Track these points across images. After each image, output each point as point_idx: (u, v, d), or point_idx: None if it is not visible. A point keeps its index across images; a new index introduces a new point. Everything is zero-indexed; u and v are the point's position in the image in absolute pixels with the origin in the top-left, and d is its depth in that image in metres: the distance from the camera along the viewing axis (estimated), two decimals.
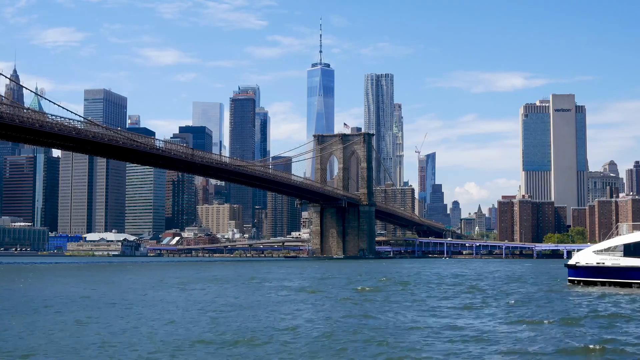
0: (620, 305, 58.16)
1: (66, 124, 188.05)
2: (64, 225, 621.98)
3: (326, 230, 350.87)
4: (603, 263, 77.15)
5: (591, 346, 36.24)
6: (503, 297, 69.37)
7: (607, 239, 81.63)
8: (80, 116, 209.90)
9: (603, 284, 77.49)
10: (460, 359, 33.40)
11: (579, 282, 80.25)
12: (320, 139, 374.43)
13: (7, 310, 54.07)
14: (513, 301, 62.48)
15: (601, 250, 78.07)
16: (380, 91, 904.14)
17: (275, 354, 34.53)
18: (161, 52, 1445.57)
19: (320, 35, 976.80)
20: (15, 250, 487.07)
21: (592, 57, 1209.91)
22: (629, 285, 75.47)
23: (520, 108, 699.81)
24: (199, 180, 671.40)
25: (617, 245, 76.55)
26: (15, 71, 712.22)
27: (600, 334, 41.03)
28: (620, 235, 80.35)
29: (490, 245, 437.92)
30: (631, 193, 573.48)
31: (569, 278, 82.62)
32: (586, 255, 79.66)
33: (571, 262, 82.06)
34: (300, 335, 40.27)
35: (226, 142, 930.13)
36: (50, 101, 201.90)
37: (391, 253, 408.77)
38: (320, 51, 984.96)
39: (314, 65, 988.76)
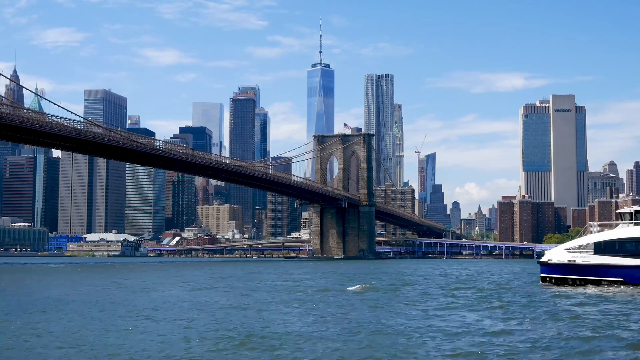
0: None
1: (66, 124, 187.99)
2: (64, 226, 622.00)
3: (326, 230, 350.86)
4: (574, 261, 79.20)
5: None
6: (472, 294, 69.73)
7: (579, 237, 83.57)
8: (80, 116, 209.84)
9: (574, 281, 79.43)
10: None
11: (550, 279, 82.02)
12: (320, 139, 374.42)
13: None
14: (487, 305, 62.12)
15: (572, 248, 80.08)
16: (380, 91, 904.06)
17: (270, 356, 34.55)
18: (161, 52, 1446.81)
19: (320, 35, 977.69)
20: (15, 250, 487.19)
21: (592, 57, 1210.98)
22: (599, 282, 77.66)
23: (520, 108, 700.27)
24: (199, 180, 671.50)
25: (588, 244, 78.68)
26: (15, 71, 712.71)
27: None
28: (591, 233, 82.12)
29: (490, 246, 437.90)
30: (631, 193, 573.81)
31: (541, 275, 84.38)
32: (558, 253, 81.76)
33: (543, 259, 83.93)
34: (296, 337, 40.22)
35: (226, 142, 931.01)
36: (50, 101, 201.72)
37: (391, 253, 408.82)
38: (320, 51, 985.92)
39: (314, 65, 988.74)
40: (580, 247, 79.25)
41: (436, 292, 79.09)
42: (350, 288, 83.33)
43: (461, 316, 51.07)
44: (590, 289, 74.19)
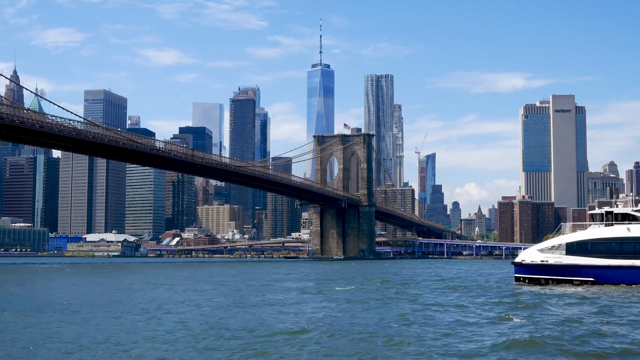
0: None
1: (66, 124, 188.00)
2: (64, 226, 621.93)
3: (326, 231, 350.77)
4: (547, 261, 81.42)
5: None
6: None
7: (552, 238, 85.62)
8: (80, 117, 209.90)
9: (546, 281, 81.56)
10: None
11: (524, 279, 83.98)
12: (320, 140, 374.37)
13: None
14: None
15: (545, 249, 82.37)
16: (380, 92, 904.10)
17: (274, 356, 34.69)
18: (161, 53, 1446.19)
19: (320, 35, 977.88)
20: (15, 251, 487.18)
21: (593, 57, 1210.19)
22: (570, 282, 79.94)
23: (520, 109, 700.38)
24: (199, 180, 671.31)
25: (560, 244, 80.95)
26: (15, 72, 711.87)
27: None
28: (563, 234, 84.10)
29: (490, 246, 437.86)
30: (631, 194, 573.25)
31: (515, 275, 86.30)
32: (531, 254, 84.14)
33: (517, 260, 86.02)
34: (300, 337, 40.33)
35: (226, 142, 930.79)
36: (50, 102, 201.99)
37: (391, 254, 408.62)
38: (320, 52, 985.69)
39: (314, 65, 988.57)
40: (552, 247, 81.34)
41: (423, 291, 79.31)
42: (338, 288, 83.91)
43: (442, 314, 52.42)
44: (561, 288, 76.28)
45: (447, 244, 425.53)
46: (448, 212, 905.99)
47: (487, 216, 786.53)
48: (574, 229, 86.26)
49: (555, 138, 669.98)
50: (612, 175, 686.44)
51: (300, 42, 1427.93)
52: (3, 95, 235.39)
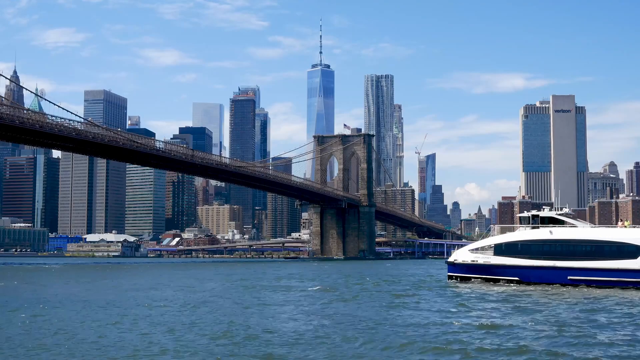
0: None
1: (66, 124, 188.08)
2: (64, 226, 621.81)
3: (326, 231, 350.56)
4: (476, 261, 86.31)
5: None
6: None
7: (481, 239, 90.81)
8: (80, 117, 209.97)
9: (476, 279, 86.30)
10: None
11: (456, 277, 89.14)
12: (320, 140, 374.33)
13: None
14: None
15: (476, 249, 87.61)
16: (380, 92, 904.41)
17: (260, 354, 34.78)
18: (162, 53, 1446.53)
19: (321, 36, 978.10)
20: (15, 251, 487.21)
21: (593, 58, 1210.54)
22: (498, 280, 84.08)
23: (521, 109, 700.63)
24: (199, 181, 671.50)
25: (489, 245, 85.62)
26: (15, 72, 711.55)
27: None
28: (492, 236, 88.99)
29: None
30: (631, 194, 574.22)
31: (448, 274, 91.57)
32: (463, 254, 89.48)
33: (450, 259, 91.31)
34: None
35: (226, 143, 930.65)
36: (50, 102, 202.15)
37: (391, 254, 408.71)
38: (321, 52, 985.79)
39: (314, 66, 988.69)
40: (482, 248, 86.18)
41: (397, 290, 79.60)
42: (310, 288, 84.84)
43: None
44: (487, 286, 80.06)
45: (447, 244, 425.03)
46: (448, 212, 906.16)
47: (487, 216, 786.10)
48: (503, 230, 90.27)
49: (555, 138, 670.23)
50: (612, 175, 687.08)
51: (300, 42, 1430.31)
52: (3, 95, 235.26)
